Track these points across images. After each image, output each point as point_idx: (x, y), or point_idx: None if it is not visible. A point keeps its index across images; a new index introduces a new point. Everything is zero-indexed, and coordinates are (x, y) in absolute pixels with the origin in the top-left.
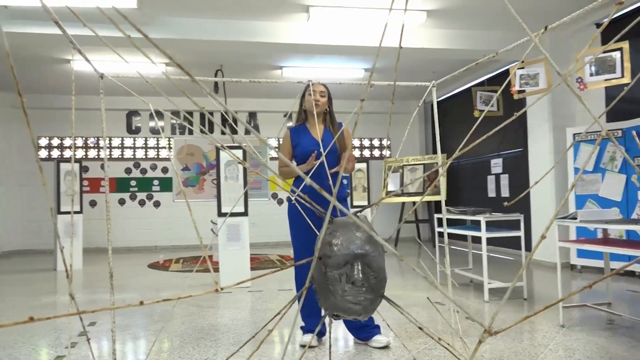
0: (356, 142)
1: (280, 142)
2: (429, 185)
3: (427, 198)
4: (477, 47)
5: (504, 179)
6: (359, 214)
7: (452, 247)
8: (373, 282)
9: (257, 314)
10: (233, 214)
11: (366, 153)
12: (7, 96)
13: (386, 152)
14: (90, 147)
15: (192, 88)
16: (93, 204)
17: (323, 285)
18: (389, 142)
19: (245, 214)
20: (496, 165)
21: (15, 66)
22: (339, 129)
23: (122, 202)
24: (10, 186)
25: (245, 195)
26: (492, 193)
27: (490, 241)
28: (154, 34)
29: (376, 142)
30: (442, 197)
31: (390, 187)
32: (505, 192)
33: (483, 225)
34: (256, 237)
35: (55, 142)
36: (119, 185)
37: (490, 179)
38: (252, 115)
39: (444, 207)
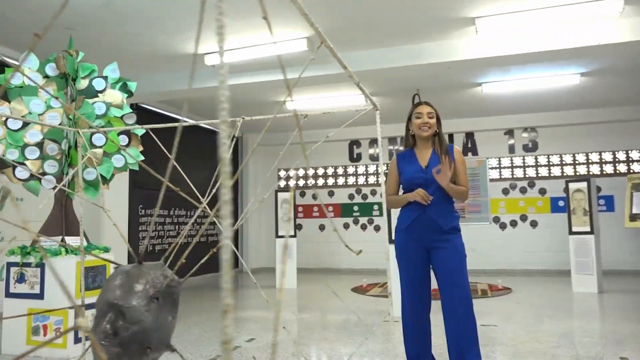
0: (575, 158)
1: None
2: None
3: None
4: None
5: None
6: (155, 262)
7: None
8: (126, 334)
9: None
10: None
11: (594, 169)
12: (255, 136)
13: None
14: (319, 176)
15: (399, 114)
16: (322, 227)
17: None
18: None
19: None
20: None
21: (243, 112)
22: (449, 152)
23: (346, 226)
24: (256, 212)
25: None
26: None
27: None
28: (334, 70)
29: (607, 156)
30: None
31: (635, 210)
32: None
33: None
34: (474, 263)
35: (292, 173)
36: (344, 210)
37: None
38: (469, 135)
39: None
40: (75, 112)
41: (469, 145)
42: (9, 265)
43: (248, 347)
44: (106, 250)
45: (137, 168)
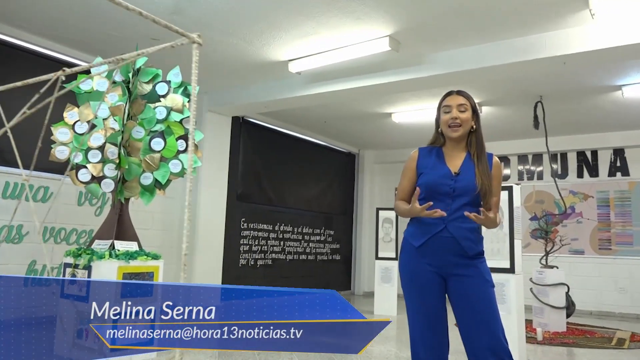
0: None
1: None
2: None
3: None
4: None
5: None
6: None
7: None
8: None
9: None
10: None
11: None
12: (372, 153)
13: None
14: None
15: (511, 128)
16: None
17: None
18: None
19: (510, 270)
20: None
21: (350, 124)
22: (487, 160)
23: None
24: (369, 232)
25: (512, 249)
26: None
27: None
28: (425, 72)
29: None
30: None
31: None
32: None
33: None
34: (623, 306)
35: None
36: None
37: None
38: (618, 152)
39: None
40: (122, 115)
41: (618, 164)
42: (65, 266)
43: None
44: (156, 257)
45: (195, 174)
